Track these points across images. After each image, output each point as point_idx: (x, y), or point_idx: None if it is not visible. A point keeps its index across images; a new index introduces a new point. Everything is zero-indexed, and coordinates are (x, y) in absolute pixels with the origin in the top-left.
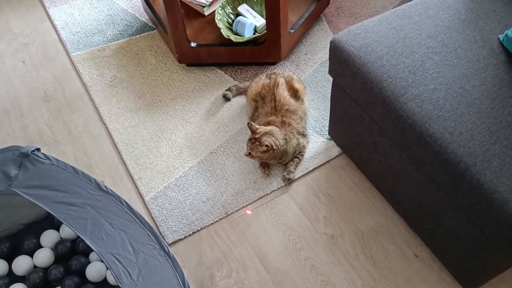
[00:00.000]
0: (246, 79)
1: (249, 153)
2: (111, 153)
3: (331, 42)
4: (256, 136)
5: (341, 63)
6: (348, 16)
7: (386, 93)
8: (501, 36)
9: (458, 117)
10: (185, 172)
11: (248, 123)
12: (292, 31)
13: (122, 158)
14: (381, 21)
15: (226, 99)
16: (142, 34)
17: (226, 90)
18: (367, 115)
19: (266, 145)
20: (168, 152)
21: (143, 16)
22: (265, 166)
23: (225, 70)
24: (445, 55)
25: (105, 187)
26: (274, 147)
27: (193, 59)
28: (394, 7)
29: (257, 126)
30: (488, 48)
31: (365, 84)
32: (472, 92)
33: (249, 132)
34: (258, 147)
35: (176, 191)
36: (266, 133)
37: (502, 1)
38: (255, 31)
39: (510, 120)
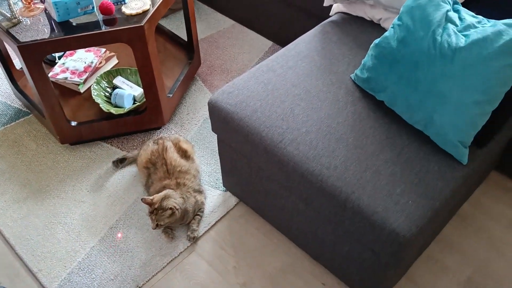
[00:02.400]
0: (134, 147)
1: (157, 225)
2: (3, 250)
3: (209, 103)
4: (156, 206)
5: (221, 120)
6: (220, 73)
7: (266, 142)
8: (352, 76)
9: (331, 153)
10: (87, 253)
11: (141, 199)
12: (171, 95)
13: (16, 253)
14: (250, 77)
15: (117, 166)
16: (17, 121)
17: (115, 160)
18: (254, 164)
19: (170, 208)
20: (65, 237)
21: (16, 102)
22: (168, 230)
23: (111, 142)
24: (310, 100)
25: None
26: (177, 207)
27: (76, 137)
28: (259, 59)
29: (151, 197)
30: (344, 88)
31: (246, 137)
32: (338, 128)
33: None
34: (163, 214)
35: (81, 275)
36: (164, 199)
37: (347, 45)
38: (135, 100)
39: (374, 148)
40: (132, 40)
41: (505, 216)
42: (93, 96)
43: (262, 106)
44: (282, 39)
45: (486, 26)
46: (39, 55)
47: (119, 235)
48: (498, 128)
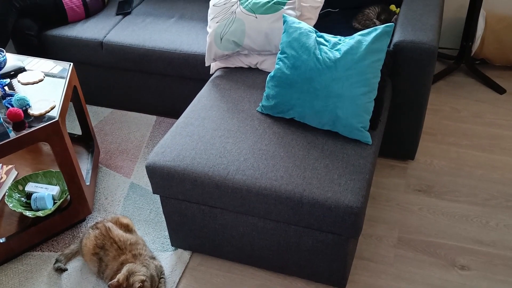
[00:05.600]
0: (66, 245)
1: None
2: None
3: (147, 167)
4: (124, 285)
5: (164, 178)
6: (120, 154)
7: (215, 179)
8: (259, 108)
9: (273, 168)
10: None
11: (108, 285)
12: (88, 183)
13: None
14: (174, 135)
15: (62, 270)
16: None
17: (54, 263)
18: (205, 205)
19: (139, 284)
20: None
21: None
22: None
23: (41, 249)
24: (234, 136)
25: None
26: (145, 278)
27: (6, 254)
28: (150, 133)
29: (115, 280)
30: (256, 119)
31: (195, 182)
32: (268, 149)
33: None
34: None
35: None
36: (128, 276)
37: (240, 88)
38: (54, 200)
39: (303, 153)
40: (50, 136)
41: (399, 185)
42: (11, 208)
43: (198, 153)
44: (165, 110)
45: (347, 40)
46: None
47: None
48: (380, 111)
